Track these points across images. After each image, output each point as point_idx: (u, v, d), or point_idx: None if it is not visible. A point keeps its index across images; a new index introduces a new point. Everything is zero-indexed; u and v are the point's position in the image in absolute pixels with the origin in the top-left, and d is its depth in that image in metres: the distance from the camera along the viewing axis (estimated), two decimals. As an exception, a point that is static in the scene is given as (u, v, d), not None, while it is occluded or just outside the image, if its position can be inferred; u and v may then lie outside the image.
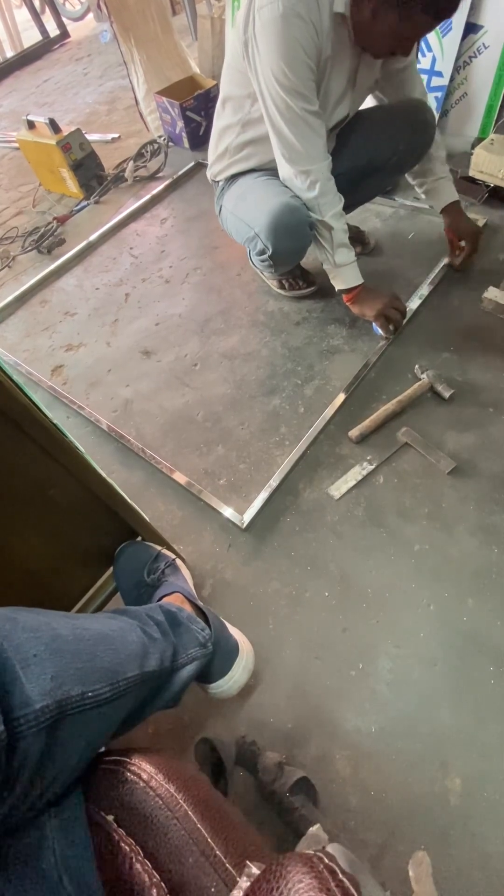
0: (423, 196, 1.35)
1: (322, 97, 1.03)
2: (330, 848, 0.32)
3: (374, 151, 1.20)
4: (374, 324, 1.26)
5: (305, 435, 1.15)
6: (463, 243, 1.34)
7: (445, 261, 1.39)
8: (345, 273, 1.17)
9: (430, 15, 0.87)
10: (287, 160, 1.04)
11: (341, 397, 1.20)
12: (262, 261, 1.17)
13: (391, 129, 1.17)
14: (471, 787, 0.74)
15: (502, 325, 1.27)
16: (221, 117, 1.17)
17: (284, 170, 1.07)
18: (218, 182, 1.28)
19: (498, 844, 0.69)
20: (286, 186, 1.11)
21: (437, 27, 0.94)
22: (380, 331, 1.26)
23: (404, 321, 1.26)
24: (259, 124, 1.06)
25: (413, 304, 1.35)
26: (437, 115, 1.69)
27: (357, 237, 1.51)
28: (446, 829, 0.71)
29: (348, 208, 1.29)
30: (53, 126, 1.96)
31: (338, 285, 1.21)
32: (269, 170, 1.15)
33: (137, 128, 2.47)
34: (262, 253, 1.15)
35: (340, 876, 0.28)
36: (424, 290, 1.36)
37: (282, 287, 1.45)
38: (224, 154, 1.20)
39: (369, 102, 1.26)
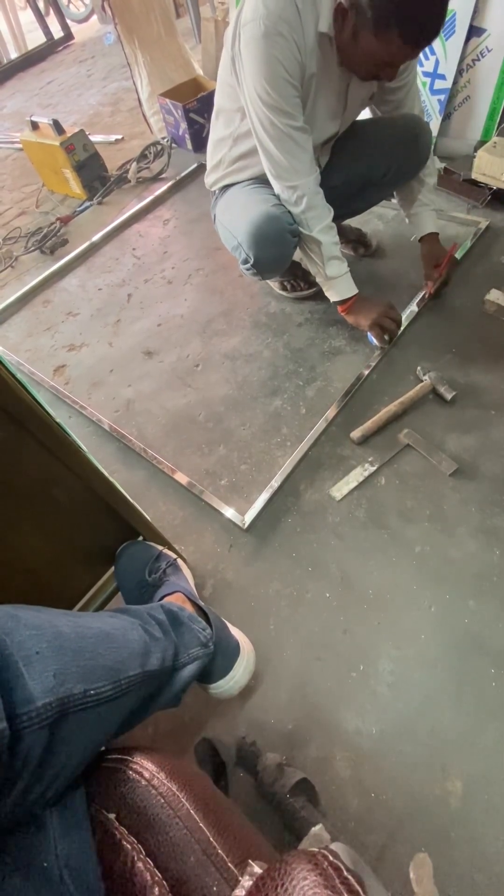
0: (405, 219, 1.35)
1: (309, 113, 1.02)
2: (333, 846, 0.32)
3: (368, 167, 1.20)
4: (368, 333, 1.25)
5: (307, 436, 1.15)
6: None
7: (421, 294, 1.36)
8: (338, 285, 1.17)
9: (408, 43, 0.85)
10: (274, 176, 1.05)
11: (341, 401, 1.20)
12: (247, 269, 1.17)
13: (387, 145, 1.16)
14: (471, 788, 0.73)
15: (504, 327, 1.28)
16: (216, 129, 1.17)
17: (273, 185, 1.07)
18: (214, 192, 1.29)
19: (499, 846, 0.69)
20: (271, 195, 1.10)
21: (420, 53, 0.91)
22: (374, 341, 1.25)
23: (399, 331, 1.26)
24: (250, 138, 1.06)
25: (412, 308, 1.35)
26: (439, 120, 1.70)
27: (359, 239, 1.52)
28: (447, 831, 0.71)
29: (342, 218, 1.29)
30: (57, 127, 1.97)
31: (332, 297, 1.21)
32: (264, 182, 1.13)
33: (141, 129, 2.48)
34: (245, 262, 1.15)
35: (345, 873, 0.28)
36: (416, 301, 1.36)
37: (283, 289, 1.46)
38: (218, 165, 1.21)
39: (366, 114, 1.25)
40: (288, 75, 0.92)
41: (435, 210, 1.32)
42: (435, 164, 1.30)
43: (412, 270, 1.45)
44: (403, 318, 1.29)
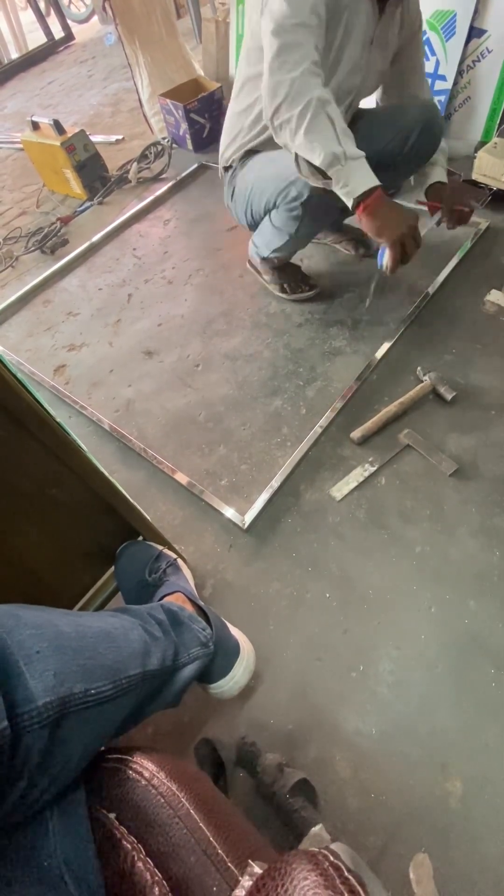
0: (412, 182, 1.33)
1: (335, 57, 1.00)
2: (334, 846, 0.32)
3: (384, 148, 1.14)
4: (381, 249, 1.04)
5: (307, 436, 1.15)
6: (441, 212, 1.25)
7: (436, 218, 1.25)
8: (357, 171, 0.92)
9: None
10: (273, 34, 0.88)
11: (341, 400, 1.20)
12: (292, 209, 1.11)
13: (401, 125, 1.14)
14: (471, 789, 0.73)
15: (504, 328, 1.28)
16: (238, 101, 1.16)
17: (268, 49, 0.90)
18: (231, 167, 1.26)
19: (499, 846, 0.69)
20: None
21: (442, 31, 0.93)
22: (385, 260, 1.04)
23: (418, 250, 1.06)
24: None
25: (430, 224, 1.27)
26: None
27: (360, 238, 1.51)
28: (447, 832, 0.71)
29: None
30: (58, 127, 1.97)
31: (353, 191, 0.93)
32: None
33: (141, 129, 2.48)
34: (296, 199, 1.09)
35: (346, 873, 0.27)
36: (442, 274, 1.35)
37: (283, 291, 1.45)
38: (238, 135, 1.19)
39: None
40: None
41: (443, 167, 1.29)
42: (446, 147, 1.29)
43: (415, 269, 1.44)
44: (381, 353, 1.27)
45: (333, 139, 0.89)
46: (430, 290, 1.36)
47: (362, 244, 1.51)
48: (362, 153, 0.92)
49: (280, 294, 1.47)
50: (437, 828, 0.71)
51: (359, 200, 0.94)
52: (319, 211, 1.14)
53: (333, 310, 1.43)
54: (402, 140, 1.15)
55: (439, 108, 1.21)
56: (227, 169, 1.29)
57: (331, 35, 0.97)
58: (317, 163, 0.91)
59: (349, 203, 0.96)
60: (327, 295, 1.44)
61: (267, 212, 1.23)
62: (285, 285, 1.44)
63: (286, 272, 1.43)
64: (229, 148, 1.24)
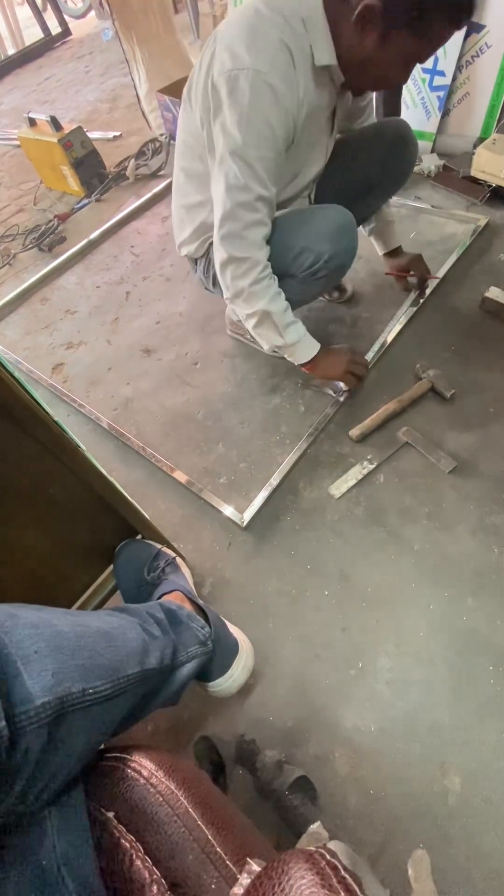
0: (368, 234, 1.33)
1: (301, 154, 0.94)
2: (331, 845, 0.32)
3: (362, 176, 1.13)
4: (335, 383, 1.20)
5: (306, 434, 1.15)
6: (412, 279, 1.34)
7: (411, 299, 1.35)
8: (300, 348, 1.06)
9: (453, 24, 0.77)
10: (223, 240, 0.91)
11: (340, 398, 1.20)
12: (318, 273, 1.00)
13: (377, 151, 1.11)
14: (470, 786, 0.74)
15: (503, 325, 1.27)
16: (186, 194, 1.05)
17: (218, 252, 0.94)
18: (197, 259, 1.15)
19: (497, 843, 0.70)
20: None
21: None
22: (343, 386, 1.19)
23: (367, 371, 1.19)
24: None
25: (403, 308, 1.34)
26: (438, 117, 1.69)
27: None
28: (445, 828, 0.71)
29: None
30: (55, 124, 1.96)
31: (297, 361, 1.10)
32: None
33: (139, 126, 2.47)
34: (315, 263, 0.98)
35: (342, 872, 0.28)
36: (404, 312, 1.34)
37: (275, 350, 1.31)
38: (199, 230, 1.07)
39: None
40: (274, 138, 0.81)
41: (394, 224, 1.32)
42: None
43: (385, 314, 1.37)
44: (372, 352, 1.26)
45: (277, 337, 1.04)
46: (429, 287, 1.36)
47: (337, 289, 1.43)
48: (300, 336, 1.05)
49: (272, 353, 1.25)
50: (435, 824, 0.72)
51: (304, 363, 1.11)
52: (349, 257, 1.04)
53: (332, 308, 1.42)
54: (379, 167, 1.13)
55: (433, 106, 1.18)
56: (194, 260, 1.17)
57: (295, 138, 0.89)
58: (265, 349, 1.12)
59: (297, 363, 1.11)
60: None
61: None
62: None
63: None
64: (190, 242, 1.12)
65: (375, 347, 1.28)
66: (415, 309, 1.33)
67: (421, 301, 1.35)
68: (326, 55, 0.81)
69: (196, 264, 1.18)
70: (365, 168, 1.13)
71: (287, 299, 1.01)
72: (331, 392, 1.22)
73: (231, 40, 0.78)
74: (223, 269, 0.96)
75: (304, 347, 1.08)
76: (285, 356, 1.11)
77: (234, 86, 0.77)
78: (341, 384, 1.19)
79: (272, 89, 0.77)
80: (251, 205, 0.87)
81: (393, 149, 1.12)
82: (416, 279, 1.34)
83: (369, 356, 1.26)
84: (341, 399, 1.20)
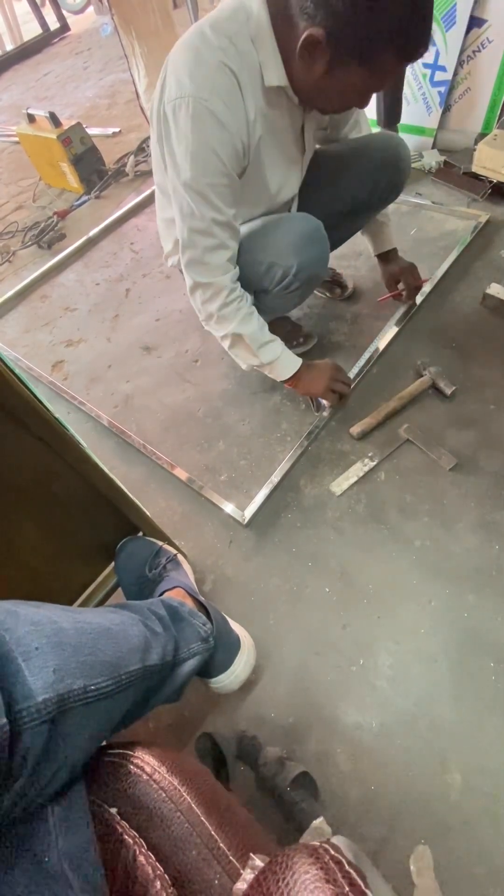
0: (361, 233, 1.27)
1: (265, 174, 0.91)
2: (335, 839, 0.32)
3: (352, 195, 1.10)
4: (319, 399, 1.18)
5: (307, 431, 1.15)
6: (401, 286, 1.29)
7: (402, 309, 1.32)
8: (279, 365, 1.05)
9: (403, 59, 0.73)
10: (187, 266, 0.91)
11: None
12: (288, 287, 0.98)
13: (368, 167, 1.06)
14: (471, 782, 0.74)
15: (504, 321, 1.27)
16: (163, 207, 1.04)
17: (186, 275, 0.94)
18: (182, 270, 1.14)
19: (498, 838, 0.70)
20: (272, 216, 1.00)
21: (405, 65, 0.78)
22: (325, 403, 1.17)
23: (351, 388, 1.17)
24: None
25: (395, 318, 1.31)
26: (439, 113, 1.68)
27: (334, 280, 1.42)
28: (447, 824, 0.71)
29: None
30: (54, 120, 1.95)
31: (278, 378, 1.08)
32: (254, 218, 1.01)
33: (138, 122, 2.46)
34: (284, 278, 0.96)
35: (347, 867, 0.28)
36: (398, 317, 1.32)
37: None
38: (178, 244, 1.02)
39: None
40: (221, 164, 0.79)
41: (390, 224, 1.25)
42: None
43: (389, 311, 1.37)
44: (357, 367, 1.24)
45: (252, 357, 1.03)
46: (429, 285, 1.36)
47: (338, 285, 1.41)
48: (276, 354, 1.03)
49: (252, 371, 1.23)
50: (437, 820, 0.72)
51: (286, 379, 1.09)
52: (318, 269, 1.02)
53: (332, 305, 1.42)
54: (370, 186, 1.08)
55: (403, 140, 1.11)
56: (180, 270, 1.15)
57: (251, 161, 0.86)
58: (243, 368, 1.10)
59: (279, 380, 1.10)
60: (318, 344, 1.35)
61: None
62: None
63: (275, 329, 1.11)
64: (174, 255, 1.10)
65: (360, 363, 1.25)
66: (401, 326, 1.29)
67: (412, 311, 1.31)
68: (276, 76, 0.78)
69: (182, 274, 1.15)
70: (353, 187, 1.09)
71: (268, 310, 1.00)
72: (314, 410, 1.19)
73: (176, 65, 0.76)
74: (192, 294, 0.96)
75: (283, 366, 1.05)
76: (266, 373, 1.09)
77: (178, 114, 0.76)
78: (324, 401, 1.17)
79: (213, 115, 0.75)
80: (206, 231, 0.85)
81: (382, 168, 1.07)
82: (407, 290, 1.29)
83: (356, 370, 1.23)
84: (325, 414, 1.17)
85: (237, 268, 0.94)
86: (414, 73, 1.67)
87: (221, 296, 0.93)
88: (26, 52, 3.86)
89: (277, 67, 0.77)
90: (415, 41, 0.72)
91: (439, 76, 1.64)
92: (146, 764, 0.45)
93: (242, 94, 0.77)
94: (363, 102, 0.83)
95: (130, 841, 0.39)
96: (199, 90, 0.74)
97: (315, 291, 1.45)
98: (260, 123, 0.82)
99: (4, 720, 0.36)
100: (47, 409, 0.60)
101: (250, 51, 0.76)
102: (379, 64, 0.73)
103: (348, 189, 1.09)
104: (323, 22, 0.69)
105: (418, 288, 1.31)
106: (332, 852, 0.29)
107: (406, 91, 1.71)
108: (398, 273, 1.28)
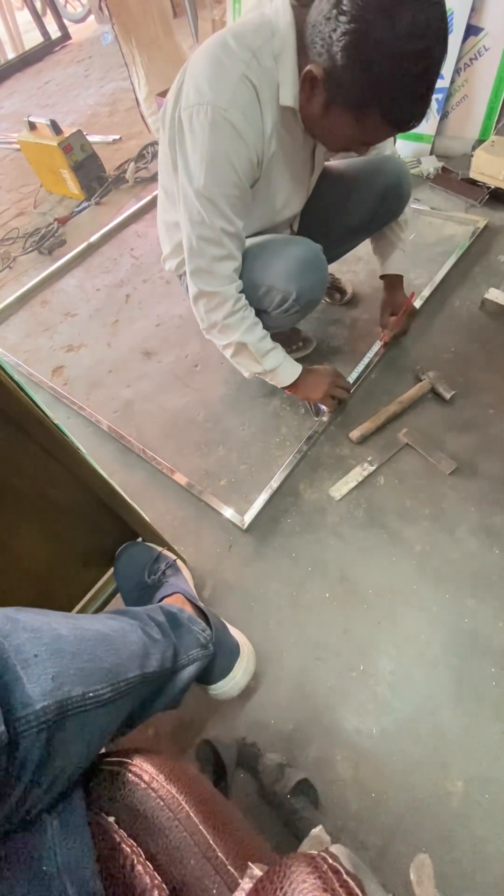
0: (372, 249, 1.26)
1: (272, 191, 0.92)
2: (333, 848, 0.32)
3: (352, 218, 1.11)
4: (317, 405, 1.18)
5: (306, 436, 1.15)
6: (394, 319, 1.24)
7: (378, 345, 1.27)
8: (281, 371, 1.05)
9: (391, 125, 0.73)
10: (193, 274, 0.91)
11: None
12: (287, 310, 0.98)
13: (370, 193, 1.07)
14: (472, 789, 0.73)
15: (503, 326, 1.27)
16: (166, 210, 1.04)
17: (190, 285, 0.94)
18: (180, 275, 1.12)
19: (500, 847, 0.69)
20: (272, 235, 1.00)
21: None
22: (324, 408, 1.17)
23: (350, 393, 1.18)
24: None
25: (366, 360, 1.27)
26: (437, 119, 1.70)
27: (334, 285, 1.42)
28: (448, 832, 0.71)
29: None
30: (55, 127, 1.97)
31: (278, 384, 1.10)
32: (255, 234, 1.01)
33: (138, 129, 2.48)
34: (283, 302, 0.96)
35: (344, 876, 0.27)
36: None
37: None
38: (178, 248, 1.04)
39: None
40: (236, 174, 0.79)
41: (403, 251, 1.21)
42: (410, 205, 1.18)
43: (410, 269, 1.44)
44: (357, 372, 1.23)
45: (255, 364, 1.03)
46: (428, 289, 1.36)
47: (337, 290, 1.42)
48: (279, 361, 1.04)
49: (252, 378, 1.21)
50: (438, 828, 0.71)
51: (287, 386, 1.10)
52: (317, 293, 1.01)
53: (332, 310, 1.42)
54: (371, 213, 1.10)
55: (405, 165, 1.10)
56: (178, 276, 1.14)
57: (263, 175, 0.87)
58: (245, 376, 1.11)
59: (280, 386, 1.11)
60: (317, 349, 1.35)
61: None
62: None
63: (274, 334, 1.11)
64: (172, 259, 1.10)
65: (359, 368, 1.24)
66: (369, 360, 1.26)
67: (382, 352, 1.26)
68: (290, 97, 0.77)
69: (180, 280, 1.15)
70: (356, 211, 1.10)
71: (267, 328, 1.00)
72: (313, 415, 1.20)
73: (197, 73, 0.76)
74: (196, 303, 0.96)
75: (284, 372, 1.06)
76: (266, 380, 1.10)
77: (195, 121, 0.75)
78: (323, 406, 1.17)
79: (231, 126, 0.75)
80: (216, 240, 0.85)
81: (384, 199, 1.08)
82: (389, 329, 1.24)
83: (355, 374, 1.23)
84: (324, 419, 1.17)
85: (241, 280, 0.95)
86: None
87: (227, 305, 0.93)
88: (28, 60, 3.89)
89: (293, 88, 0.77)
90: (408, 115, 0.72)
91: (437, 83, 1.65)
92: (144, 772, 0.45)
93: (261, 109, 0.77)
94: (361, 151, 0.84)
95: (128, 850, 0.39)
96: (217, 99, 0.73)
97: None
98: (275, 139, 0.82)
99: (3, 728, 0.36)
100: (46, 415, 0.60)
101: (272, 67, 0.76)
102: (371, 123, 0.73)
103: (349, 213, 1.10)
104: (324, 63, 0.70)
105: (404, 332, 1.27)
106: (331, 861, 0.29)
107: (404, 98, 1.72)
108: (392, 307, 1.25)
